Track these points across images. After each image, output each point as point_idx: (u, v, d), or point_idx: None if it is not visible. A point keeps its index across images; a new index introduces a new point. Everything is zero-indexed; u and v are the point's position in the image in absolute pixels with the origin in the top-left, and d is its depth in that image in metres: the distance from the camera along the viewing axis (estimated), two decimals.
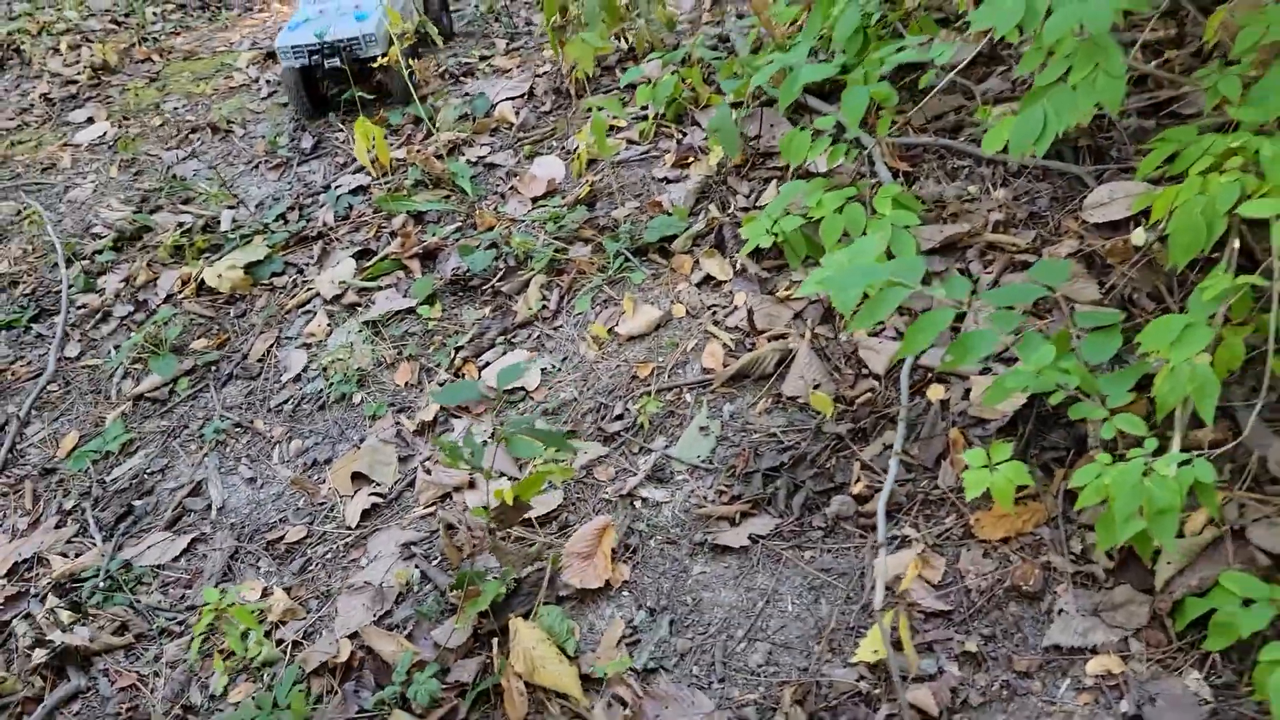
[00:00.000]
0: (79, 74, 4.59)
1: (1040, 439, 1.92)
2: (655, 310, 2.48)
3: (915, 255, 2.22)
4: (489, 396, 2.39)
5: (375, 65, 3.58)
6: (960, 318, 1.83)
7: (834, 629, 1.79)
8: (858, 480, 1.98)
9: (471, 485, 2.23)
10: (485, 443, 2.15)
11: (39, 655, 2.12)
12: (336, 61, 3.55)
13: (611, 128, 3.19)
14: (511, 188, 3.11)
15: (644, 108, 3.19)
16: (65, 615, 2.20)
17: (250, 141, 3.82)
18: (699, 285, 2.54)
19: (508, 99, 3.53)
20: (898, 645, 1.65)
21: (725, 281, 2.50)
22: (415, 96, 3.42)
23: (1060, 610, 1.71)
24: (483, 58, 3.95)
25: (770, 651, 1.80)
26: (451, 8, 4.42)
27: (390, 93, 3.70)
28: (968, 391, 2.06)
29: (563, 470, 2.11)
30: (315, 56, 3.55)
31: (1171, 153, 1.95)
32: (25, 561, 2.38)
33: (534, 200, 3.02)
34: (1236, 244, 1.79)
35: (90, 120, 4.21)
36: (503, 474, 2.23)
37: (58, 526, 2.46)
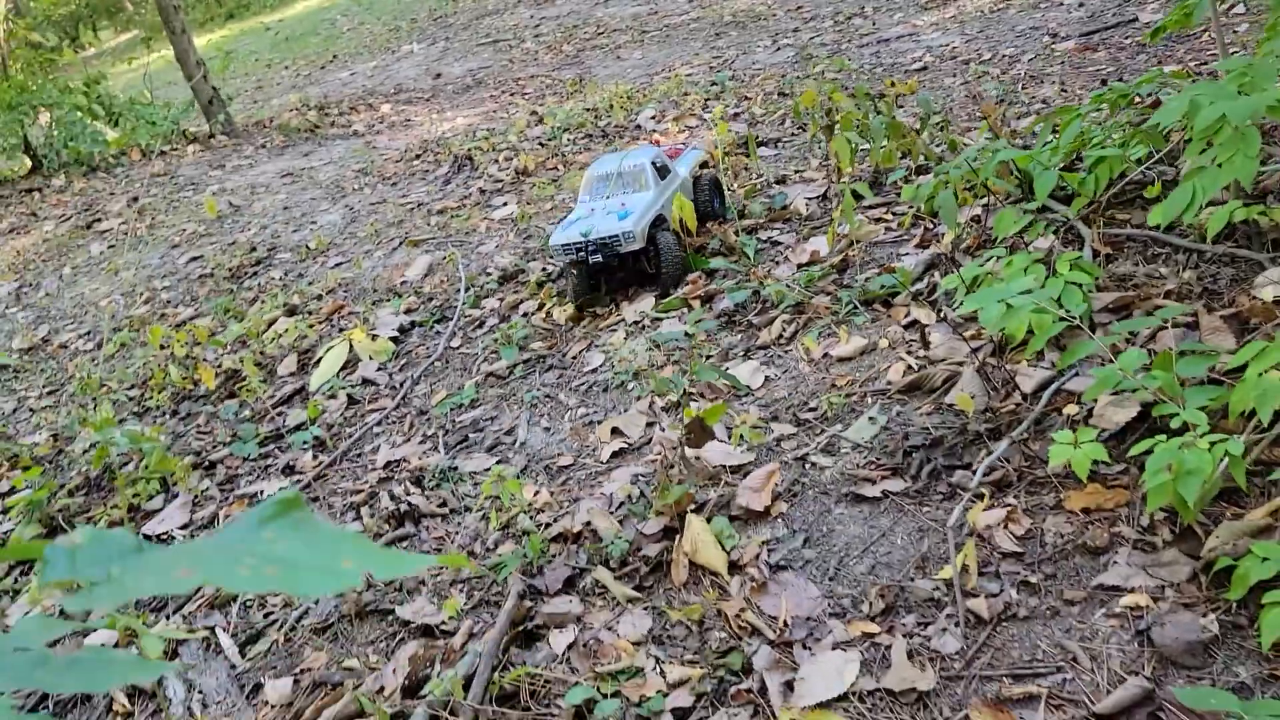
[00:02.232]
0: (505, 175, 6.12)
1: (1136, 438, 2.25)
2: (863, 340, 3.07)
3: (1081, 302, 2.64)
4: (723, 386, 3.09)
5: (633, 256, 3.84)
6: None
7: (928, 557, 2.24)
8: (981, 462, 2.42)
9: None
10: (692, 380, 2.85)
11: (389, 509, 3.11)
12: (599, 258, 3.77)
13: (879, 220, 3.85)
14: (785, 257, 3.86)
15: (910, 204, 3.82)
16: (412, 490, 3.19)
17: None
18: (905, 327, 3.09)
19: (803, 197, 4.33)
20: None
21: (928, 326, 3.04)
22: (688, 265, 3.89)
23: (1115, 563, 2.04)
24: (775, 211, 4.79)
25: (873, 566, 2.28)
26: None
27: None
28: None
29: (755, 434, 2.75)
30: (580, 253, 3.78)
31: None
32: (395, 460, 3.43)
33: (799, 266, 3.74)
34: None
35: (505, 204, 5.63)
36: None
37: (420, 443, 3.49)
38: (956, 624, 2.04)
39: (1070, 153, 3.16)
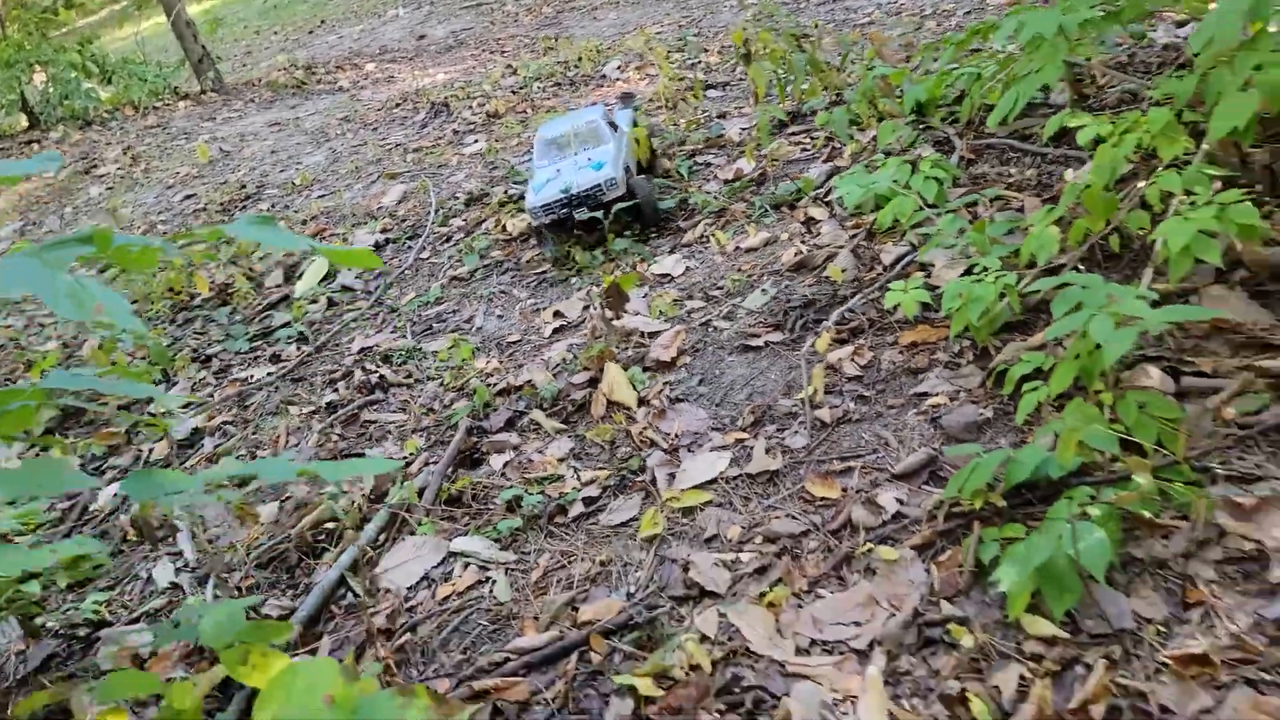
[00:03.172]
0: (477, 118, 6.61)
1: None
2: (768, 234, 3.60)
3: (937, 194, 3.17)
4: (643, 275, 3.62)
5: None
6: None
7: (791, 385, 2.78)
8: (841, 317, 2.95)
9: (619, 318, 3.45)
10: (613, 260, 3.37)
11: (361, 380, 3.63)
12: (585, 210, 3.86)
13: (797, 143, 4.37)
14: (714, 175, 4.38)
15: (823, 129, 4.34)
16: (381, 366, 3.71)
17: None
18: (803, 224, 3.62)
19: (738, 128, 4.84)
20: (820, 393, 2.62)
21: (820, 221, 3.56)
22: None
23: (928, 379, 2.58)
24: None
25: (750, 394, 2.82)
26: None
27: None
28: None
29: (671, 309, 3.28)
30: (564, 210, 3.86)
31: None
32: (368, 347, 3.95)
33: (725, 181, 4.26)
34: None
35: (475, 141, 6.13)
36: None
37: (390, 333, 4.01)
38: (805, 427, 2.59)
39: (944, 78, 3.68)
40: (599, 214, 3.90)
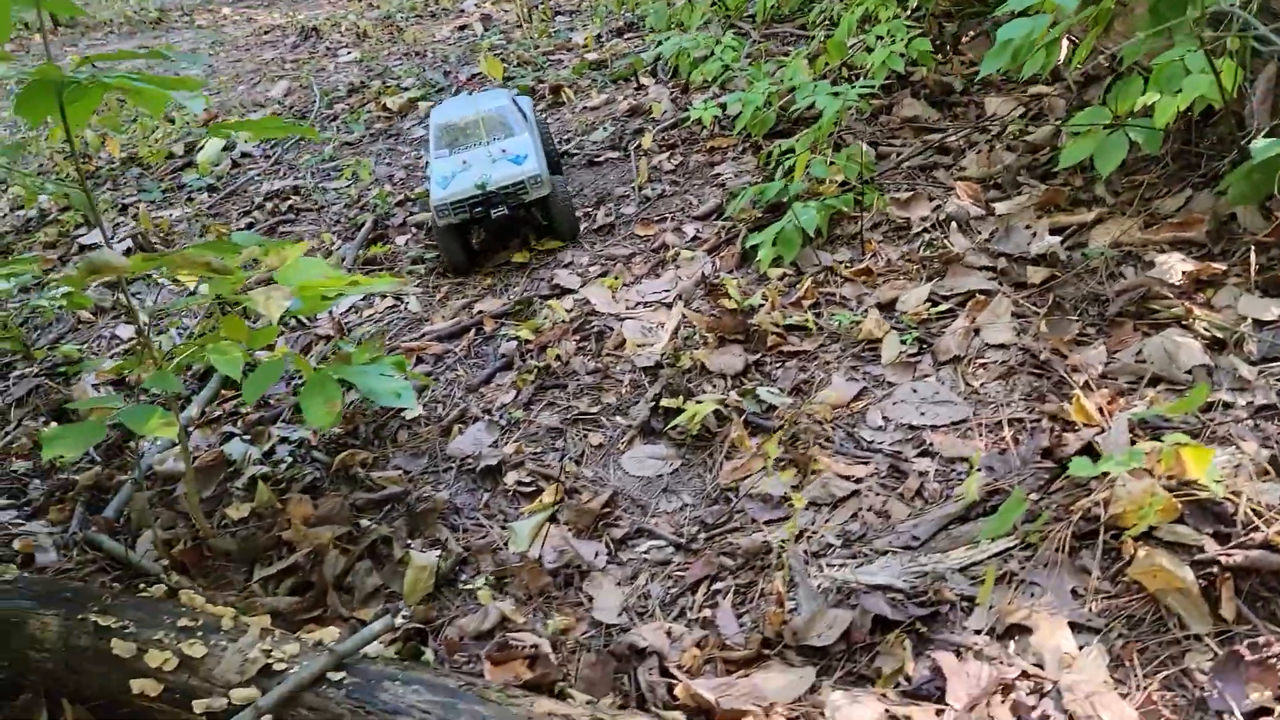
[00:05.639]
0: (348, 37, 7.33)
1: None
2: (607, 97, 4.59)
3: (734, 55, 4.22)
4: None
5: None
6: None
7: (624, 180, 3.77)
8: (662, 135, 3.97)
9: None
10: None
11: (275, 207, 4.39)
12: (505, 209, 3.31)
13: (632, 41, 5.37)
14: (565, 65, 5.34)
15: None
16: (292, 196, 4.47)
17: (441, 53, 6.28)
18: (636, 89, 4.63)
19: (581, 35, 5.81)
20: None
21: (649, 86, 4.58)
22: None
23: (721, 169, 3.62)
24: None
25: (596, 191, 3.79)
26: None
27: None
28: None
29: None
30: (478, 209, 3.28)
31: None
32: (275, 190, 4.69)
33: (573, 68, 5.23)
34: None
35: (349, 53, 6.86)
36: None
37: (295, 180, 4.77)
38: (634, 202, 3.58)
39: None
40: (519, 213, 3.40)
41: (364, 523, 2.37)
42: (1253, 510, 1.74)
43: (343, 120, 5.37)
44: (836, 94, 3.10)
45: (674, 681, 1.84)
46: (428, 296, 3.38)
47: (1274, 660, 1.55)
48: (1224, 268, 2.25)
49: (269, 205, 4.47)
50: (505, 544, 2.27)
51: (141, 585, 2.15)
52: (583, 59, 5.25)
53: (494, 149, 3.42)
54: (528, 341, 2.95)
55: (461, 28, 7.01)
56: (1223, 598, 1.65)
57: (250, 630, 1.82)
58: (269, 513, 2.42)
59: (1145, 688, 1.59)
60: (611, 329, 2.91)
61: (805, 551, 2.01)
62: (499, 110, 3.53)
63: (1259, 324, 2.09)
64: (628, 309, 2.99)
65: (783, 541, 2.05)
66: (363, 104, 5.55)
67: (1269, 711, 1.51)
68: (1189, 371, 2.06)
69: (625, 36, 5.57)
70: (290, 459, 2.65)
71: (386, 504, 2.48)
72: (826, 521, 2.07)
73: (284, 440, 2.73)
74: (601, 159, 4.01)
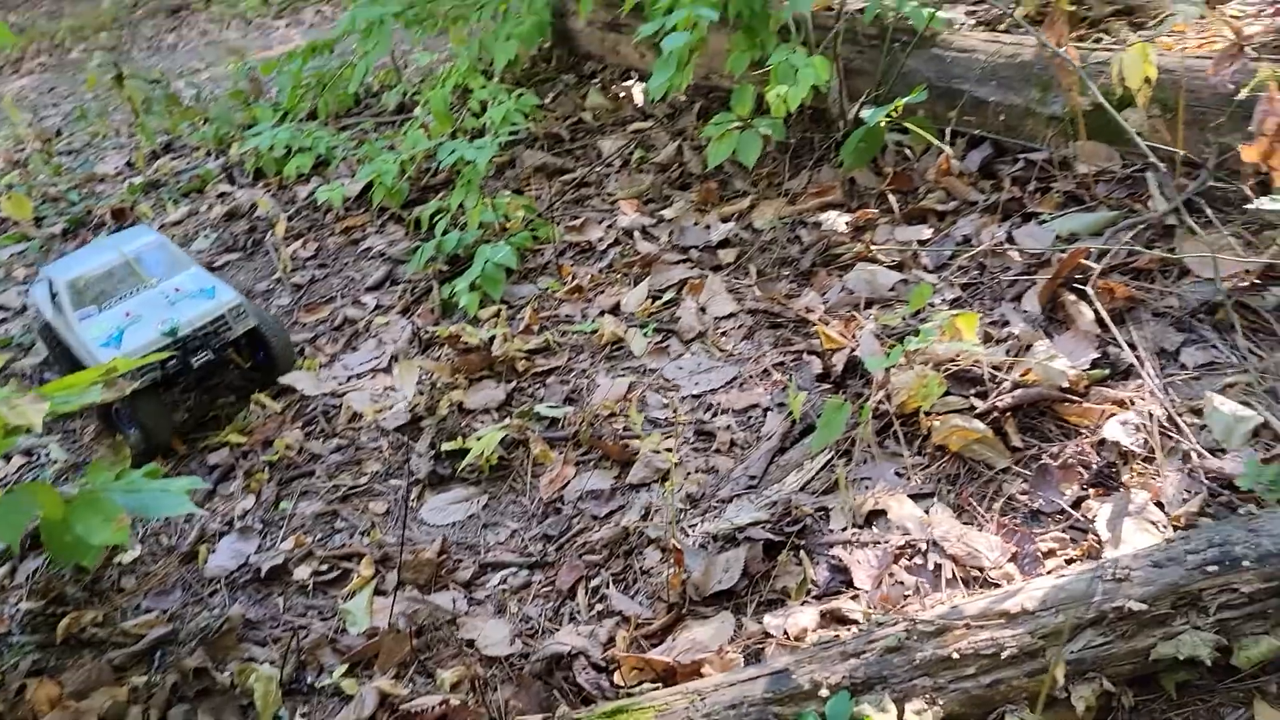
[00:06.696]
0: None
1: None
2: (186, 209, 4.23)
3: (324, 145, 4.15)
4: None
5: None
6: None
7: (263, 275, 3.51)
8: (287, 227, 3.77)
9: None
10: None
11: None
12: (208, 355, 2.79)
13: (181, 158, 4.99)
14: (101, 190, 4.80)
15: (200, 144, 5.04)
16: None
17: None
18: (219, 196, 4.33)
19: (114, 165, 5.27)
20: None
21: (233, 190, 4.31)
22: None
23: (367, 240, 3.54)
24: None
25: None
26: None
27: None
28: None
29: None
30: (171, 361, 2.71)
31: None
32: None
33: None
34: None
35: None
36: None
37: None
38: (285, 293, 3.35)
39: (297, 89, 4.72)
40: (224, 353, 2.86)
41: (138, 680, 1.93)
42: (991, 367, 2.17)
43: None
44: (480, 147, 3.22)
45: (610, 671, 1.78)
46: (72, 440, 2.83)
47: (1070, 461, 1.95)
48: (876, 213, 2.77)
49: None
50: (341, 630, 1.99)
51: None
52: (131, 184, 4.76)
53: (165, 289, 2.87)
54: (240, 445, 2.61)
55: None
56: (1009, 433, 2.04)
57: None
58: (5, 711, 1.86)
59: (991, 519, 1.90)
60: (335, 406, 2.69)
61: (665, 522, 2.06)
62: (151, 245, 2.97)
63: (921, 243, 2.61)
64: (340, 385, 2.79)
65: (640, 520, 2.08)
66: None
67: (1085, 499, 1.90)
68: (892, 289, 2.50)
69: (171, 156, 5.15)
70: None
71: (155, 649, 2.04)
72: (664, 494, 2.14)
73: None
74: (221, 263, 3.68)
